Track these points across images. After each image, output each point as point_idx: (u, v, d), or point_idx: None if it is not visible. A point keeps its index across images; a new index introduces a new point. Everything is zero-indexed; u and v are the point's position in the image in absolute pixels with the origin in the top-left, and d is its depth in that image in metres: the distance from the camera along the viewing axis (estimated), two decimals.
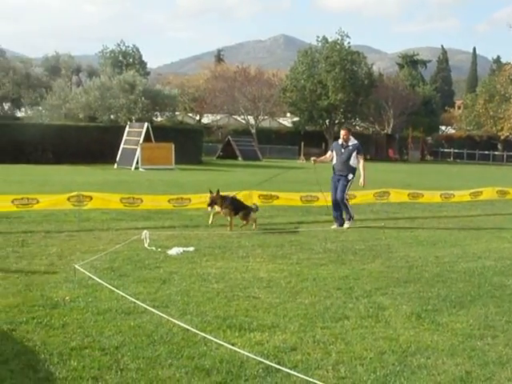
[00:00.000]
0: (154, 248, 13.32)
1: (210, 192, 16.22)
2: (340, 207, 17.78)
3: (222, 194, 16.28)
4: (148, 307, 8.70)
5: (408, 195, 22.11)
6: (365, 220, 19.17)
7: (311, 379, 6.29)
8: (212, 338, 7.45)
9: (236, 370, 6.60)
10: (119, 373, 6.45)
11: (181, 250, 13.29)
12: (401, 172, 52.61)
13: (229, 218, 16.43)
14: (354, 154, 17.55)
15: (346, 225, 17.64)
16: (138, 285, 10.20)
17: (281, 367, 6.61)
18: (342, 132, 18.10)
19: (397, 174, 47.99)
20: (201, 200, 18.42)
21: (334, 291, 10.13)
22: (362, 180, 17.87)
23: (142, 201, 17.61)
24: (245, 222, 16.64)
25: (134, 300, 9.03)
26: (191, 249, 13.47)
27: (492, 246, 15.08)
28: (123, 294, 9.29)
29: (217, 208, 16.35)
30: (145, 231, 13.92)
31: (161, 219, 17.84)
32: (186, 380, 6.32)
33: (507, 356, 7.29)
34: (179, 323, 7.97)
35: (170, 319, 8.13)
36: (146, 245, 13.53)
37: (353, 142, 17.76)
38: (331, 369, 6.74)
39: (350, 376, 6.56)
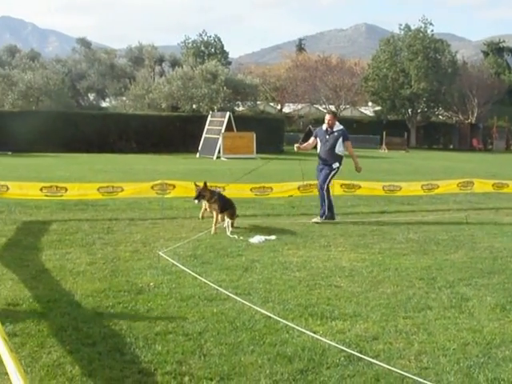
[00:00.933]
0: (236, 236, 13.43)
1: (196, 185, 14.53)
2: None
3: (209, 187, 14.60)
4: (230, 294, 8.80)
5: (493, 185, 21.66)
6: (448, 210, 18.90)
7: (393, 368, 6.27)
8: (294, 326, 7.50)
9: (318, 357, 6.64)
10: (202, 358, 6.56)
11: (263, 238, 13.37)
12: (485, 162, 51.57)
13: (214, 215, 14.30)
14: (340, 140, 16.01)
15: (315, 219, 15.99)
16: (220, 272, 10.33)
17: (363, 356, 6.61)
18: (327, 117, 16.39)
19: (481, 164, 47.09)
20: (282, 189, 18.53)
21: (416, 281, 10.05)
22: (357, 166, 16.51)
23: (223, 189, 17.72)
24: (230, 222, 14.47)
25: (216, 287, 9.15)
26: (273, 237, 13.53)
27: None
28: (206, 281, 9.42)
29: (204, 203, 14.74)
30: (227, 219, 14.04)
31: (243, 208, 17.92)
32: (268, 366, 6.38)
33: None
34: (261, 310, 8.04)
35: (252, 306, 8.21)
36: (228, 233, 13.66)
37: (338, 127, 16.19)
38: (413, 359, 6.71)
39: (433, 367, 6.51)
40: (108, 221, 15.23)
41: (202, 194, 14.15)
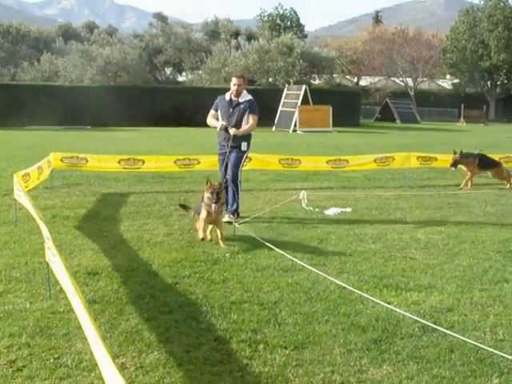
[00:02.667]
0: (311, 208, 13.47)
1: (208, 183, 10.45)
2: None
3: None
4: (305, 265, 8.85)
5: None
6: None
7: (468, 340, 6.24)
8: (368, 297, 7.51)
9: (392, 328, 6.65)
10: (277, 327, 6.64)
11: (338, 210, 13.39)
12: None
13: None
14: (247, 114, 12.33)
15: (227, 218, 12.02)
16: (295, 243, 10.40)
17: (437, 327, 6.59)
18: (235, 81, 12.34)
19: None
20: (359, 162, 18.43)
21: (492, 254, 9.93)
22: (234, 130, 12.13)
23: (300, 162, 17.76)
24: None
25: (291, 258, 9.21)
26: (348, 209, 13.54)
27: None
28: (281, 252, 9.48)
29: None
30: (303, 191, 14.08)
31: (318, 180, 17.96)
32: (342, 336, 6.43)
33: None
34: (336, 281, 8.07)
35: (327, 277, 8.25)
36: (303, 205, 13.69)
37: (246, 97, 12.41)
38: (489, 331, 6.66)
39: (509, 339, 6.46)
40: (185, 193, 15.45)
41: (218, 193, 10.30)
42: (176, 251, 9.73)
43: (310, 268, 8.69)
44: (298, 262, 9.05)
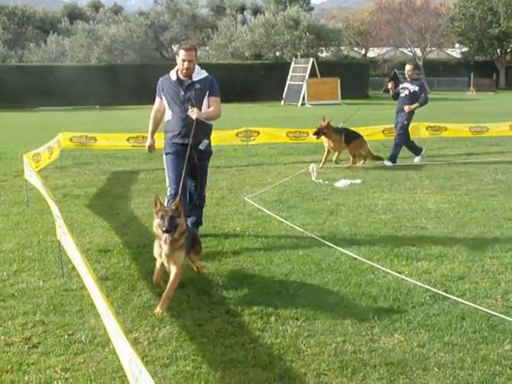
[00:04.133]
0: (321, 181, 13.47)
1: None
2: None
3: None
4: (316, 237, 8.88)
5: None
6: None
7: (479, 307, 6.26)
8: (379, 267, 7.54)
9: (403, 297, 6.68)
10: (288, 299, 6.68)
11: (348, 182, 13.39)
12: None
13: None
14: (206, 98, 8.77)
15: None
16: (305, 216, 10.41)
17: (448, 295, 6.61)
18: (183, 55, 8.59)
19: None
20: (367, 133, 18.36)
21: (504, 222, 9.93)
22: (196, 112, 8.36)
23: (307, 134, 17.69)
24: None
25: (302, 230, 9.24)
26: (358, 181, 13.54)
27: None
28: (292, 225, 9.51)
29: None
30: (312, 164, 14.07)
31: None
32: (354, 306, 6.46)
33: None
34: (346, 252, 8.10)
35: (338, 248, 8.27)
36: (313, 178, 13.69)
37: (201, 74, 8.89)
38: (500, 298, 6.68)
39: None
40: None
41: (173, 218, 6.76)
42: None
43: (321, 240, 8.72)
44: (309, 234, 9.08)
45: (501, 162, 16.17)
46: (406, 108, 15.85)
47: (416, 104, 15.91)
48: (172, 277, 6.55)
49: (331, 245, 8.43)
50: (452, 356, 5.33)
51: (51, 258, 8.14)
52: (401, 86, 16.50)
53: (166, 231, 6.47)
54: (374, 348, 5.51)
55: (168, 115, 9.01)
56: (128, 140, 16.64)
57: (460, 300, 6.46)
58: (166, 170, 8.96)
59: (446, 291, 6.78)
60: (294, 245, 8.71)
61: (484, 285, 7.07)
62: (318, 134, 15.65)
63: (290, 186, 12.94)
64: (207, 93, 8.78)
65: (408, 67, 16.39)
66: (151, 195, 12.28)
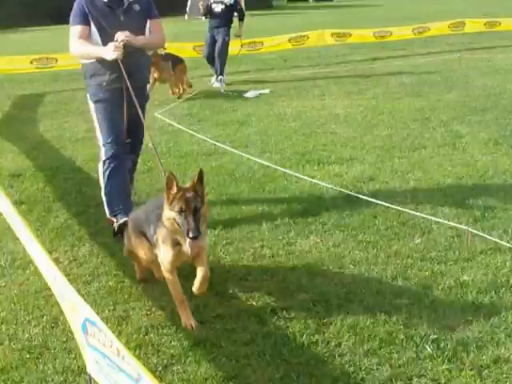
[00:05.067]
0: (230, 92, 13.45)
1: None
2: None
3: None
4: (228, 148, 8.93)
5: (485, 24, 21.47)
6: (440, 52, 18.76)
7: (390, 205, 6.44)
8: (291, 173, 7.66)
9: (316, 200, 6.82)
10: None
11: (257, 92, 13.42)
12: (476, 1, 49.64)
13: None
14: (147, 22, 6.42)
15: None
16: (217, 128, 10.44)
17: (360, 195, 6.78)
18: None
19: (472, 4, 44.84)
20: (273, 43, 18.38)
21: (410, 123, 10.18)
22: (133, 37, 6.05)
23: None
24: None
25: (214, 142, 9.27)
26: (267, 91, 13.58)
27: None
28: (203, 137, 9.53)
29: None
30: (220, 76, 14.01)
31: (235, 65, 17.78)
32: (269, 212, 6.57)
33: None
34: (259, 160, 8.19)
35: (250, 157, 8.36)
36: (222, 90, 13.67)
37: None
38: (410, 195, 6.88)
39: (429, 201, 6.68)
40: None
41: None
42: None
43: (233, 150, 8.77)
44: (221, 145, 9.13)
45: (405, 66, 16.42)
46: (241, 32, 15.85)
47: (242, 23, 15.52)
48: (201, 279, 4.64)
49: (243, 154, 8.50)
50: (366, 253, 5.50)
51: None
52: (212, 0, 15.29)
53: (195, 237, 4.37)
54: (291, 250, 5.64)
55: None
56: (31, 62, 16.23)
57: (371, 199, 6.62)
58: (95, 122, 6.55)
59: (357, 192, 6.94)
60: (206, 157, 8.74)
61: (394, 184, 7.28)
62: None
63: (199, 100, 12.90)
64: (148, 14, 6.43)
65: None
66: (60, 117, 12.16)
